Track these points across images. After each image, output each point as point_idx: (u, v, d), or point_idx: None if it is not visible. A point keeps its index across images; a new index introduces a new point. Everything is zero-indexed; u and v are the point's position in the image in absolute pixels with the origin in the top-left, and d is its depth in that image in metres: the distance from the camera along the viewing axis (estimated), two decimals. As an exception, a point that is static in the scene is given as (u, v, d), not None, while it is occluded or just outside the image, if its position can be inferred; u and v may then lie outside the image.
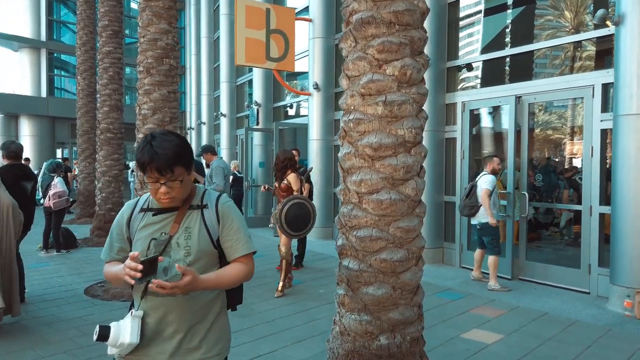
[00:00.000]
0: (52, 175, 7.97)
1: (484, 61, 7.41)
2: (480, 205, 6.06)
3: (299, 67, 10.48)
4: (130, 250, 1.81)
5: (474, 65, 7.53)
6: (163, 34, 6.22)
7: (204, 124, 18.20)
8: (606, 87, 5.70)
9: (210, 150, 7.23)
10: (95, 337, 1.64)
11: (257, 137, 12.28)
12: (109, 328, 1.66)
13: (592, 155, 5.82)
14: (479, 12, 7.65)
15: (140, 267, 1.54)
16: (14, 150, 5.39)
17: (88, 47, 12.66)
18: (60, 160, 12.69)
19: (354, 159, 2.84)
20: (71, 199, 10.46)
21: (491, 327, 4.71)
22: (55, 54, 21.94)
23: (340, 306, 2.94)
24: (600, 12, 5.39)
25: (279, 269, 6.15)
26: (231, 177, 10.52)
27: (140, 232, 1.81)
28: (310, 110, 9.77)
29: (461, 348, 4.16)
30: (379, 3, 2.73)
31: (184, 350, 1.78)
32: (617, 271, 5.20)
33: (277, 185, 6.01)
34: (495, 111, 7.64)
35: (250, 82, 13.48)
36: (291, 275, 6.08)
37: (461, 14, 7.70)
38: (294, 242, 6.61)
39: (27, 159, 14.55)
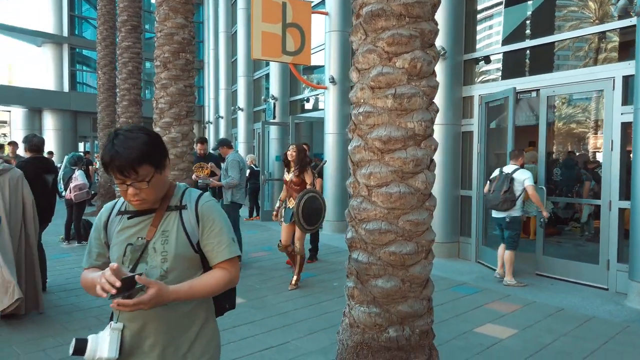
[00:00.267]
0: (74, 168, 8.14)
1: (502, 53, 7.30)
2: (517, 199, 5.88)
3: (315, 60, 10.47)
4: (109, 256, 1.70)
5: (491, 57, 7.42)
6: (179, 29, 6.29)
7: (222, 117, 18.35)
8: (627, 80, 5.56)
9: (227, 143, 7.28)
10: (71, 350, 1.51)
11: (273, 131, 12.34)
12: (86, 341, 1.54)
13: (612, 149, 5.70)
14: (497, 4, 7.53)
15: (118, 284, 1.38)
16: (35, 144, 5.52)
17: (108, 42, 12.86)
18: (81, 153, 12.98)
19: (364, 152, 2.84)
20: (92, 192, 10.69)
21: (505, 322, 4.67)
22: (77, 49, 22.34)
23: (350, 298, 2.96)
24: (621, 2, 5.26)
25: (289, 263, 6.16)
26: (248, 171, 10.62)
27: (117, 237, 1.67)
28: (326, 104, 9.77)
29: (474, 342, 4.14)
30: (389, -5, 2.71)
31: None
32: (636, 267, 5.09)
33: (290, 178, 5.87)
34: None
35: (267, 76, 13.53)
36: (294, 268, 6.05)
37: (479, 6, 7.59)
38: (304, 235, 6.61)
39: (51, 152, 14.90)
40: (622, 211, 5.67)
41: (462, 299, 5.42)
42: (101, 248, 1.73)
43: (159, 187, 1.62)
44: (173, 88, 6.25)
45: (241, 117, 15.39)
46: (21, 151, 7.41)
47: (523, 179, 5.85)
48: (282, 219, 5.95)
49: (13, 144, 10.28)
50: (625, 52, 5.84)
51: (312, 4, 9.83)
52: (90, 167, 14.46)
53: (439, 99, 7.04)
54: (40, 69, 21.45)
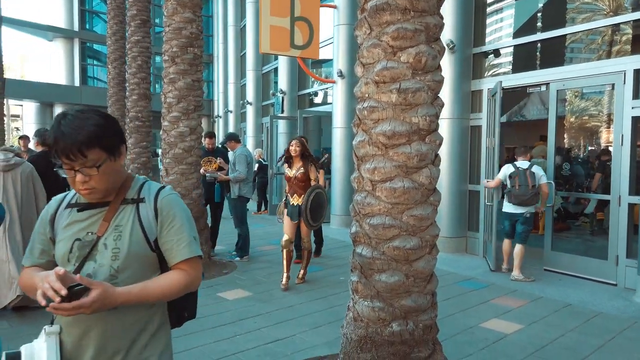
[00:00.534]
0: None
1: (511, 47, 7.22)
2: (538, 194, 5.95)
3: (323, 54, 10.45)
4: (54, 254, 1.51)
5: (501, 51, 7.35)
6: (187, 23, 6.30)
7: (231, 112, 18.40)
8: (638, 73, 5.48)
9: (235, 138, 7.32)
10: None
11: (282, 125, 12.35)
12: (19, 354, 1.33)
13: (622, 144, 5.63)
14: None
15: (64, 292, 1.20)
16: (47, 138, 5.58)
17: (118, 37, 12.90)
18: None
19: (368, 147, 2.84)
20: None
21: (512, 317, 4.66)
22: (88, 44, 22.50)
23: (354, 293, 2.98)
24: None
25: (298, 262, 6.16)
26: (256, 165, 10.65)
27: (64, 232, 1.49)
28: (334, 98, 9.75)
29: (479, 337, 4.14)
30: (394, -11, 2.70)
31: None
32: (645, 263, 5.06)
33: (293, 174, 5.65)
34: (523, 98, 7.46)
35: (276, 70, 13.53)
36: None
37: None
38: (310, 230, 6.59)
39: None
40: (631, 206, 5.61)
41: (469, 293, 5.41)
42: (45, 244, 1.54)
43: (111, 176, 1.45)
44: (181, 82, 6.27)
45: (250, 111, 15.42)
46: (32, 145, 7.50)
47: (540, 174, 5.94)
48: (280, 217, 5.90)
49: (24, 138, 10.40)
50: (637, 45, 5.75)
51: (321, -2, 9.78)
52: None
53: (447, 93, 7.02)
54: (51, 64, 21.65)
